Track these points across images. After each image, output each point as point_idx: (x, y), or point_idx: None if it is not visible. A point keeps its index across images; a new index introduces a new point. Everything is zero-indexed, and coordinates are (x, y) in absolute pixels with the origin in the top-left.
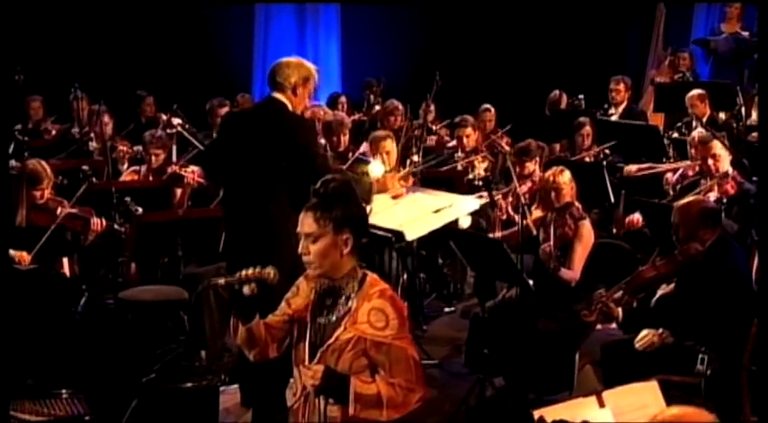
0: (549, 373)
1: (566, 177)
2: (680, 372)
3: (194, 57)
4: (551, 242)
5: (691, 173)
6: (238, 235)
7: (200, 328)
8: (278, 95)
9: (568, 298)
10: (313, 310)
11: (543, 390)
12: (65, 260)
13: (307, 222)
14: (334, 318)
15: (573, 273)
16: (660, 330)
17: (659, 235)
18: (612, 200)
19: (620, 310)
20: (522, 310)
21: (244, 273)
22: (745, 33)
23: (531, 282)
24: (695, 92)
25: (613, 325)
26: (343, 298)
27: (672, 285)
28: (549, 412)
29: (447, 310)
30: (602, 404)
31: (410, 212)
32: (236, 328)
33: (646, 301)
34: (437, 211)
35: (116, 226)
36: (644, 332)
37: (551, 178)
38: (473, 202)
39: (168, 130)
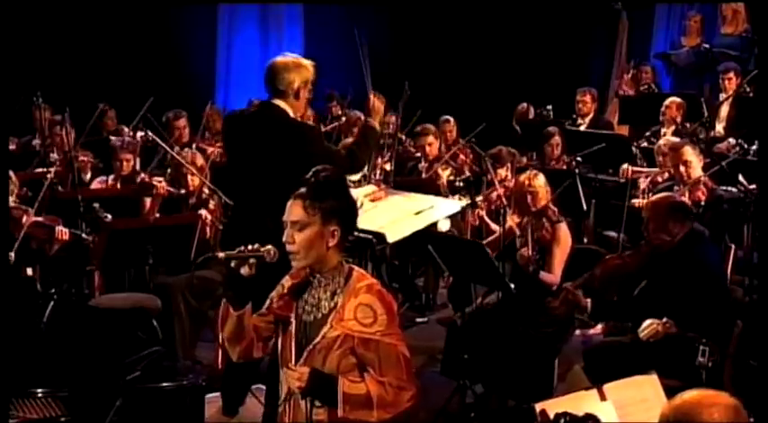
0: (529, 379)
1: (540, 181)
2: (665, 373)
3: (156, 68)
4: (529, 246)
5: (660, 179)
6: (238, 239)
7: (170, 338)
8: (279, 102)
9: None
10: (298, 308)
11: (523, 396)
12: (29, 270)
13: (294, 210)
14: (320, 315)
15: (553, 276)
16: (664, 319)
17: (636, 239)
18: (585, 208)
19: (588, 300)
20: (500, 315)
21: (243, 247)
22: (706, 45)
23: (512, 285)
24: (675, 99)
25: (591, 331)
26: (329, 293)
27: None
28: (551, 405)
29: (419, 320)
30: (603, 397)
31: (390, 214)
32: (225, 319)
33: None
34: (418, 213)
35: (83, 235)
36: (648, 322)
37: (526, 182)
38: (454, 205)
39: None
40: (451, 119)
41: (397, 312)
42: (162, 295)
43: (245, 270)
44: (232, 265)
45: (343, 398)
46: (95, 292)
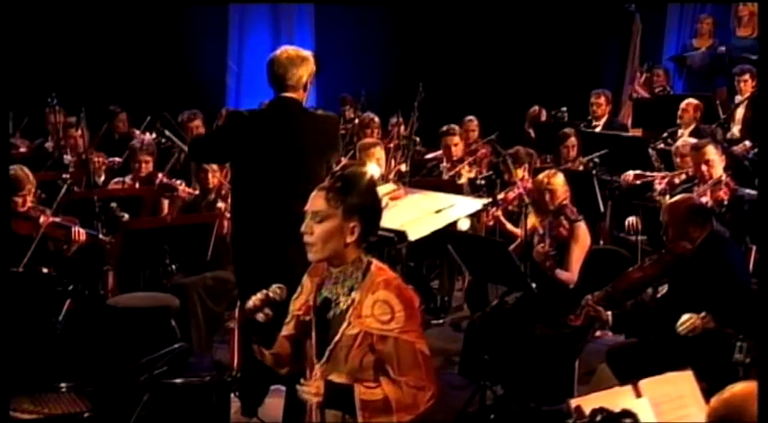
0: (549, 380)
1: (559, 179)
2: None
3: (168, 71)
4: (546, 243)
5: (677, 181)
6: (251, 239)
7: (186, 338)
8: (290, 95)
9: (566, 303)
10: (316, 305)
11: (543, 397)
12: (44, 270)
13: (317, 201)
14: (338, 311)
15: (570, 274)
16: (703, 314)
17: (658, 238)
18: (602, 209)
19: (609, 313)
20: (518, 316)
21: (251, 303)
22: (722, 48)
23: (533, 285)
24: (692, 101)
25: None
26: (346, 289)
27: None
28: (586, 401)
29: (434, 322)
30: (638, 394)
31: (411, 213)
32: (262, 353)
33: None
34: (438, 212)
35: (100, 236)
36: (686, 316)
37: (545, 180)
38: (474, 203)
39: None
40: (475, 119)
41: (417, 307)
42: (178, 296)
43: (260, 317)
44: (248, 316)
45: (361, 405)
46: (109, 292)
